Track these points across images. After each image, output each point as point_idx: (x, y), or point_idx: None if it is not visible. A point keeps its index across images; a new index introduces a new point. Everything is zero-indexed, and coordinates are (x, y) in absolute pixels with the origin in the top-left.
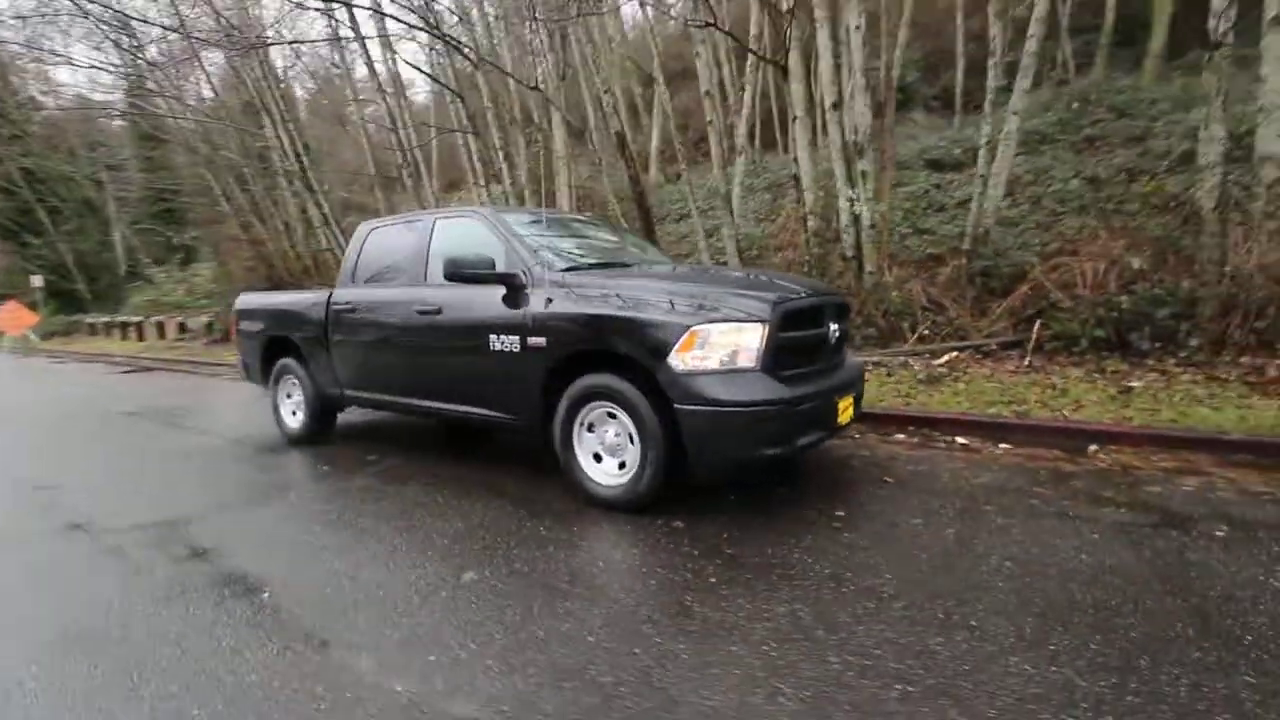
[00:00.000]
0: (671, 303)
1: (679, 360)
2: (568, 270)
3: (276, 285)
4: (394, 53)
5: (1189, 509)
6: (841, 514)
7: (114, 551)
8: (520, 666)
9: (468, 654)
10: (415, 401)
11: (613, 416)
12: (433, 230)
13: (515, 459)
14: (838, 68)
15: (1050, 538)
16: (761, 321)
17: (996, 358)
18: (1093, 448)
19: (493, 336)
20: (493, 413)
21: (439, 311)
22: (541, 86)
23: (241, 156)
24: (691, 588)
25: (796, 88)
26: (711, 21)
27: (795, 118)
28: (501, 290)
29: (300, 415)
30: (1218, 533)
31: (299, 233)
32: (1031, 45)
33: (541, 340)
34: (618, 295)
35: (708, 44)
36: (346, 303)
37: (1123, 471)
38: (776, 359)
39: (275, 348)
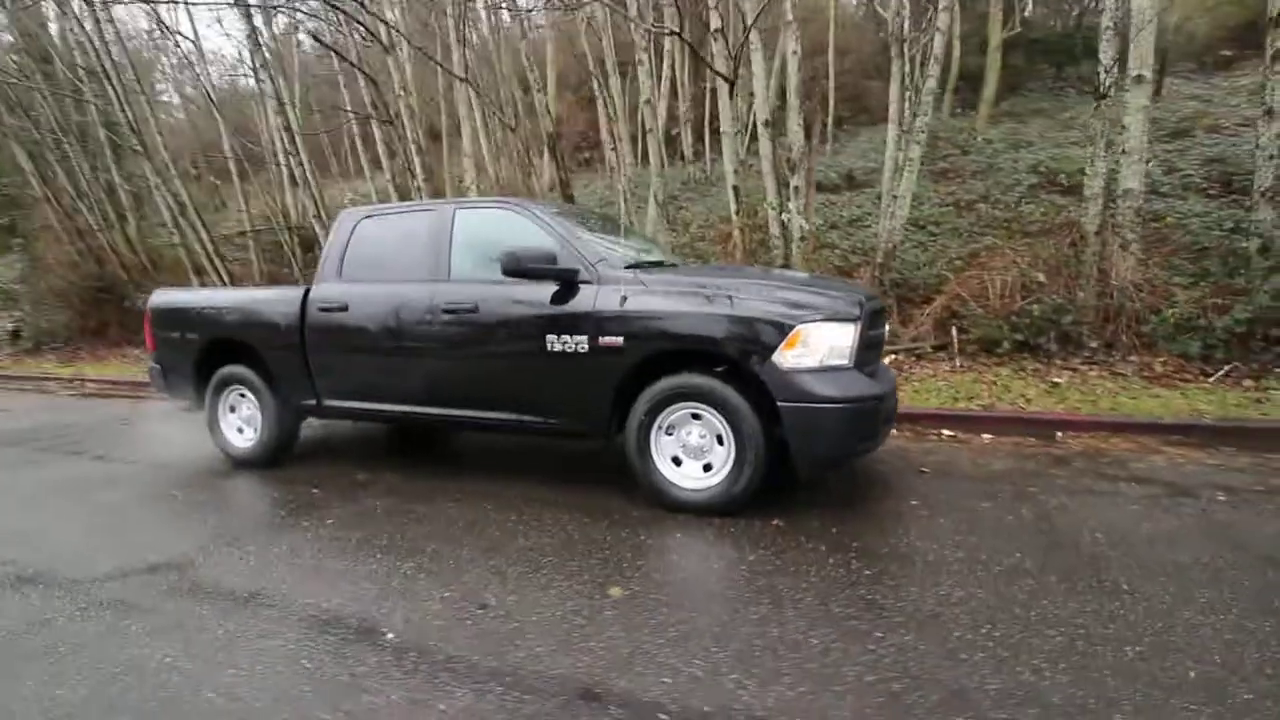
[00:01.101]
0: (769, 300)
1: (784, 358)
2: (631, 268)
3: (109, 285)
4: (267, 26)
5: (1181, 480)
6: (915, 503)
7: (119, 606)
8: (775, 675)
9: (701, 671)
10: (433, 410)
11: (696, 418)
12: (453, 221)
13: (519, 465)
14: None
15: (1103, 511)
16: (854, 320)
17: (930, 359)
18: (1059, 434)
19: (551, 336)
20: (547, 419)
21: (474, 309)
22: (468, 78)
23: (64, 133)
24: (860, 583)
25: (728, 104)
26: (676, 30)
27: (742, 130)
28: (551, 287)
29: (253, 432)
30: (1220, 498)
31: (133, 225)
32: (931, 84)
33: (618, 340)
34: (708, 293)
35: (649, 51)
36: (334, 300)
37: (1098, 453)
38: (861, 357)
39: (216, 354)
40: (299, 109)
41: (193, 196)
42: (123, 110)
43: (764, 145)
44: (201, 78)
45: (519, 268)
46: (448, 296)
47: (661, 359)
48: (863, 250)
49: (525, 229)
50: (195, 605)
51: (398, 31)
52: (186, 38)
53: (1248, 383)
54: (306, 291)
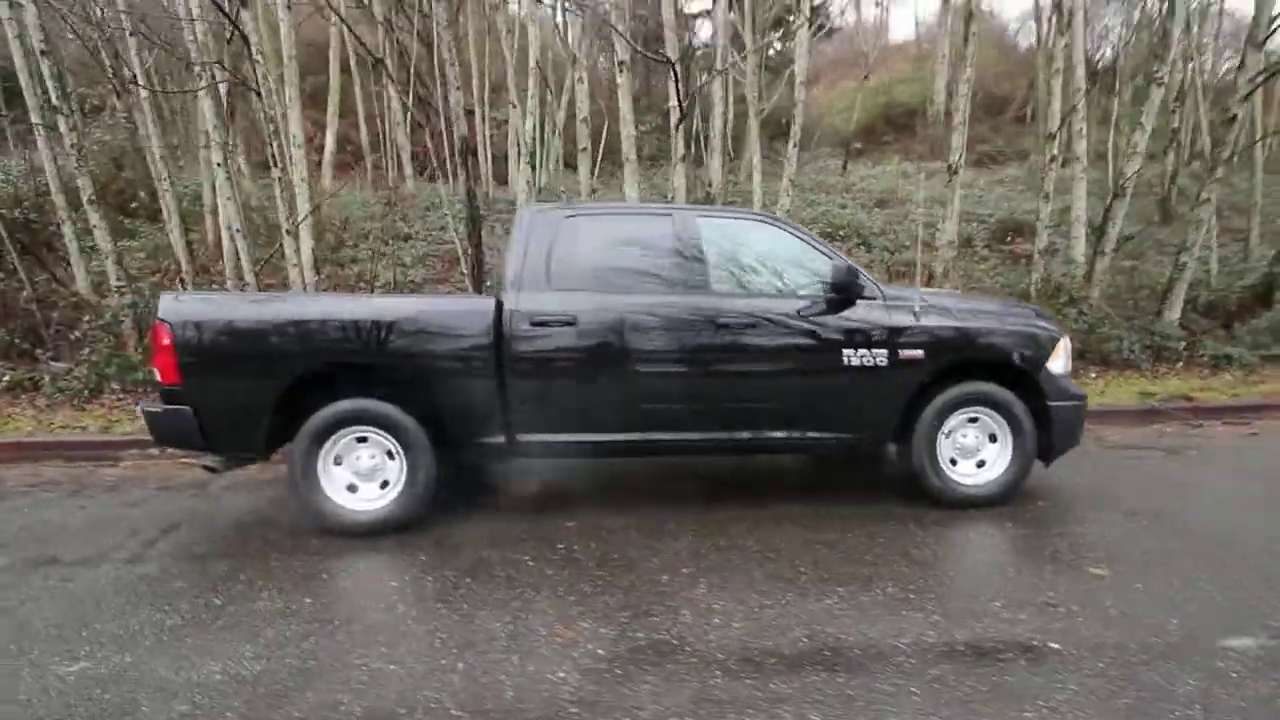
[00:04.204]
0: (1032, 318)
1: (1054, 365)
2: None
3: None
4: None
5: (1162, 445)
6: (1095, 476)
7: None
8: None
9: None
10: (689, 436)
11: (973, 421)
12: (699, 231)
13: (682, 489)
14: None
15: (1177, 466)
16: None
17: None
18: None
19: (848, 351)
20: (828, 434)
21: (754, 324)
22: (386, 60)
23: None
24: (1203, 532)
25: (627, 133)
26: (667, 59)
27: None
28: (817, 302)
29: (377, 488)
30: (1193, 453)
31: None
32: (793, 145)
33: (918, 353)
34: (990, 312)
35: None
36: (555, 313)
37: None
38: None
39: (315, 387)
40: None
41: None
42: None
43: (678, 179)
44: None
45: (848, 284)
46: (719, 309)
47: (946, 371)
48: None
49: (788, 243)
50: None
51: None
52: None
53: None
54: (503, 301)
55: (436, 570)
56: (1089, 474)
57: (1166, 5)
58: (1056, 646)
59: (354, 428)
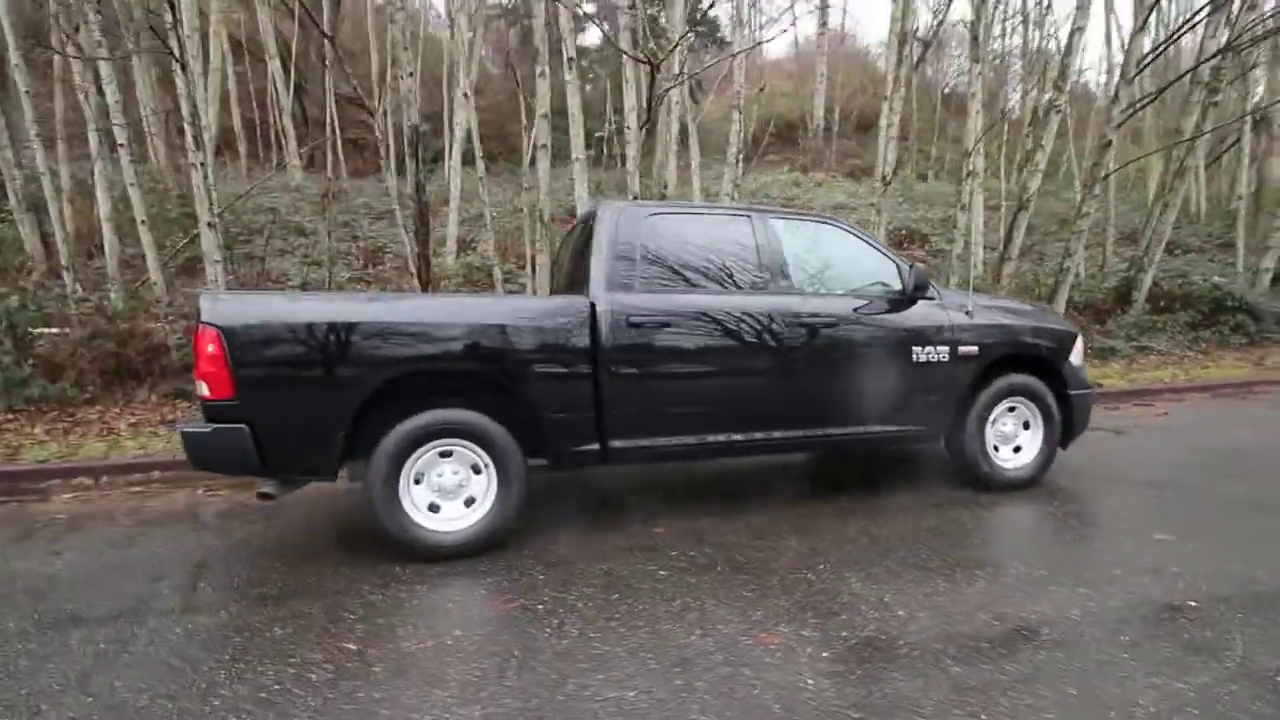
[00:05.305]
0: (1053, 314)
1: (1074, 357)
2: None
3: None
4: None
5: (1105, 424)
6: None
7: None
8: None
9: None
10: (775, 435)
11: (1012, 410)
12: (777, 231)
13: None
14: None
15: (1138, 437)
16: None
17: None
18: None
19: (916, 348)
20: (899, 427)
21: (835, 324)
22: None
23: None
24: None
25: (576, 132)
26: (644, 59)
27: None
28: (885, 302)
29: (461, 506)
30: (1136, 430)
31: None
32: (732, 150)
33: (974, 349)
34: (1024, 310)
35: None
36: (652, 313)
37: None
38: None
39: (385, 399)
40: None
41: None
42: None
43: (634, 183)
44: None
45: (923, 284)
46: (805, 310)
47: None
48: None
49: (855, 245)
50: None
51: None
52: None
53: None
54: (595, 302)
55: (572, 588)
56: (1073, 454)
57: (1065, 44)
58: (1195, 604)
59: (439, 441)
